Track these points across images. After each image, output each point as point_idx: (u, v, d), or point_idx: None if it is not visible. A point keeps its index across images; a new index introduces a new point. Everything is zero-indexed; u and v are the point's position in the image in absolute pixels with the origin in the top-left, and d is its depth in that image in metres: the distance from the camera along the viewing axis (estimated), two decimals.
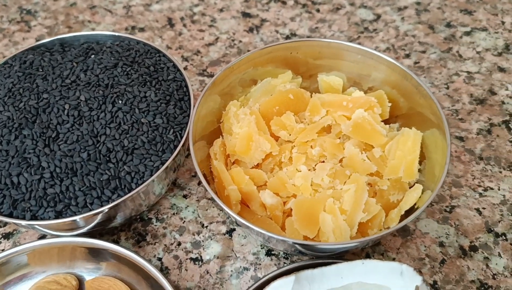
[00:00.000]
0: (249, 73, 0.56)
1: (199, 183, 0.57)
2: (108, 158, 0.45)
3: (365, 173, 0.48)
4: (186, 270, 0.50)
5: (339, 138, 0.51)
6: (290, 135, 0.52)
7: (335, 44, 0.55)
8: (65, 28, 0.74)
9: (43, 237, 0.53)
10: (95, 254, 0.48)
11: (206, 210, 0.55)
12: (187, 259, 0.51)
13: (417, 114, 0.53)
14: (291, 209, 0.48)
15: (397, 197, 0.48)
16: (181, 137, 0.48)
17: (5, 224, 0.54)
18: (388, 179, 0.48)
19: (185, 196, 0.56)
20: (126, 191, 0.45)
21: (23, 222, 0.43)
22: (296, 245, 0.43)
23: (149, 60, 0.54)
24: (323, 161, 0.49)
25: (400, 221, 0.46)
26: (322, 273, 0.43)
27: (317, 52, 0.56)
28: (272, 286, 0.43)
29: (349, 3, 0.76)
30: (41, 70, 0.52)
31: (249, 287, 0.44)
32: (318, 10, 0.75)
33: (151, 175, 0.45)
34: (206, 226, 0.53)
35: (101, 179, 0.44)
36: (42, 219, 0.43)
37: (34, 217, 0.43)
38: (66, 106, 0.48)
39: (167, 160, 0.46)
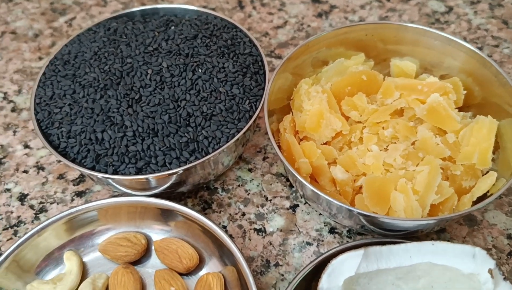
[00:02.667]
0: (322, 53, 0.56)
1: (264, 158, 0.58)
2: (187, 122, 0.47)
3: (438, 157, 0.47)
4: (250, 239, 0.51)
5: (412, 121, 0.51)
6: (361, 116, 0.52)
7: (413, 28, 0.54)
8: (140, 4, 0.77)
9: (114, 196, 0.55)
10: (164, 216, 0.50)
11: (270, 184, 0.55)
12: (250, 229, 0.52)
13: (492, 103, 0.52)
14: (360, 188, 0.48)
15: (470, 183, 0.47)
16: (256, 108, 0.49)
17: (79, 182, 0.56)
18: (461, 164, 0.48)
19: (250, 170, 0.57)
20: (203, 154, 0.46)
21: (103, 175, 0.45)
22: (366, 219, 0.43)
23: (226, 34, 0.55)
24: (395, 143, 0.49)
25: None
26: (390, 250, 0.43)
27: (392, 36, 0.56)
28: (340, 258, 0.43)
29: None
30: (124, 37, 0.54)
31: (317, 257, 0.44)
32: (388, 0, 0.75)
33: (227, 141, 0.47)
34: (270, 200, 0.54)
35: (180, 141, 0.46)
36: (123, 174, 0.45)
37: (115, 172, 0.45)
38: (149, 71, 0.49)
39: (242, 128, 0.47)
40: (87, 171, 0.45)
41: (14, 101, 0.65)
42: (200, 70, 0.50)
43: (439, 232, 0.51)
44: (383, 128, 0.50)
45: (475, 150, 0.47)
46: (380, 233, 0.47)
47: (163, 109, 0.47)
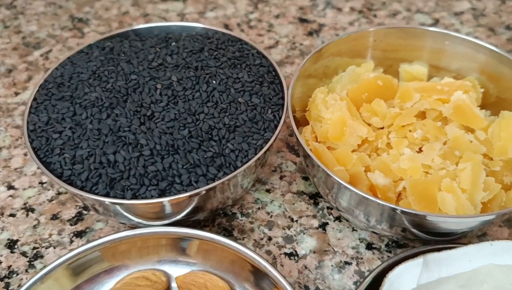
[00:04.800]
0: (331, 62, 0.54)
1: (281, 177, 0.53)
2: (210, 136, 0.42)
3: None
4: (282, 265, 0.46)
5: (439, 121, 0.49)
6: (382, 121, 0.49)
7: (421, 31, 0.53)
8: None
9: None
10: (182, 247, 0.44)
11: (293, 204, 0.51)
12: (281, 254, 0.47)
13: (509, 100, 0.51)
14: (400, 193, 0.45)
15: (510, 179, 0.45)
16: (280, 118, 0.46)
17: (76, 221, 0.50)
18: (500, 160, 0.45)
19: (268, 191, 0.52)
20: (232, 168, 0.41)
21: (121, 201, 0.39)
22: (416, 222, 0.40)
23: (232, 47, 0.52)
24: (425, 144, 0.47)
25: None
26: (449, 256, 0.40)
27: (401, 40, 0.55)
28: (397, 271, 0.39)
29: (405, 9, 0.76)
30: (123, 55, 0.49)
31: (369, 273, 0.40)
32: (375, 16, 0.75)
33: (255, 153, 0.42)
34: (296, 220, 0.49)
35: (205, 156, 0.41)
36: (144, 198, 0.39)
37: (134, 197, 0.39)
38: (158, 86, 0.45)
39: (269, 139, 0.43)
40: (101, 199, 0.39)
41: None
42: (214, 82, 0.46)
43: (480, 236, 0.48)
44: (409, 130, 0.48)
45: (509, 144, 0.46)
46: (424, 238, 0.43)
47: (181, 124, 0.42)
